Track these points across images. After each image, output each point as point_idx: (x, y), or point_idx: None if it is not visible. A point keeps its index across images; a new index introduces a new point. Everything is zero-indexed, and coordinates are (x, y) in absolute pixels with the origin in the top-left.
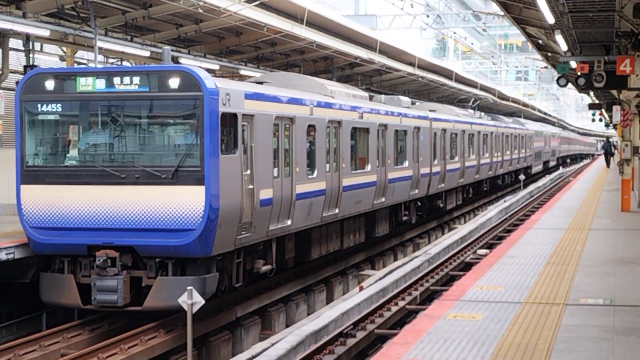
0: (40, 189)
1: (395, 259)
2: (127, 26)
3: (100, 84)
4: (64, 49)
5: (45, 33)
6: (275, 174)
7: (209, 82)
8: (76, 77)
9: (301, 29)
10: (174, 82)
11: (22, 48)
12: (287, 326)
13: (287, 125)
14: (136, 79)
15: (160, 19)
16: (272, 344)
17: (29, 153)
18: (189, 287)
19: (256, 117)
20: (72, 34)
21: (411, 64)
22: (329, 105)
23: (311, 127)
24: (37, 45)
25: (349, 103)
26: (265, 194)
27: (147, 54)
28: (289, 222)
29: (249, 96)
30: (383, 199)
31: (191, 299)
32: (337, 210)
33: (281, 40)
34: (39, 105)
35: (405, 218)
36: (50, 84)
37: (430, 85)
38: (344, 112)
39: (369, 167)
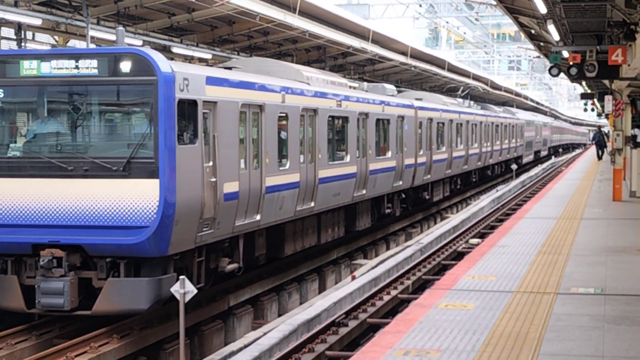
0: None
1: (386, 250)
2: (120, 15)
3: (46, 68)
4: (56, 38)
5: (37, 22)
6: (242, 166)
7: (164, 65)
8: (19, 60)
9: (294, 18)
10: (125, 66)
11: (14, 37)
12: (279, 315)
13: (256, 113)
14: (85, 62)
15: (153, 8)
16: (265, 333)
17: None
18: (182, 277)
19: (219, 105)
20: (64, 22)
21: (404, 54)
22: (303, 92)
23: (283, 115)
24: (29, 34)
25: (326, 90)
26: (230, 187)
27: (140, 43)
28: (257, 217)
29: (211, 81)
30: (364, 191)
31: (184, 288)
32: (312, 204)
33: (274, 30)
34: None
35: (388, 211)
36: None
37: (423, 74)
38: (320, 99)
39: (348, 158)
